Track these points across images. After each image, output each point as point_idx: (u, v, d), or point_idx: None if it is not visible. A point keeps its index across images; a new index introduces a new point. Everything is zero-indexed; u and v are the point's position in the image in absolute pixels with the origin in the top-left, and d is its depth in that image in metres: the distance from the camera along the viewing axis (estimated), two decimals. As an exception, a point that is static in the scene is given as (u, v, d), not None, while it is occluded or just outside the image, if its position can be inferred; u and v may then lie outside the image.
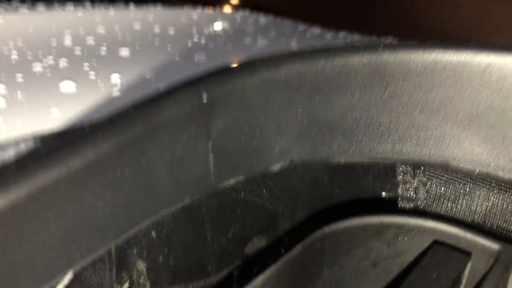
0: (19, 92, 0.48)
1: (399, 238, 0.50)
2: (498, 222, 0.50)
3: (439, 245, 0.47)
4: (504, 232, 0.49)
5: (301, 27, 1.05)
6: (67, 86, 0.51)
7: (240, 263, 0.61)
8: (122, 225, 0.36)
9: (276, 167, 0.46)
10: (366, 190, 0.69)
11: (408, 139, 0.49)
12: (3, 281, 0.31)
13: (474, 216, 0.50)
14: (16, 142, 0.35)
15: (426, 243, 0.49)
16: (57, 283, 0.35)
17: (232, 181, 0.44)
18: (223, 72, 0.42)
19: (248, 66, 0.43)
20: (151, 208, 0.38)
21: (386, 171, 0.68)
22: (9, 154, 0.33)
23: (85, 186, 0.34)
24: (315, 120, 0.47)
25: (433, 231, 0.49)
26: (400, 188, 0.56)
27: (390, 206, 0.67)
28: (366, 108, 0.48)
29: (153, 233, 0.47)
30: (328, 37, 0.98)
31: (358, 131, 0.48)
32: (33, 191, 0.31)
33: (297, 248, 0.46)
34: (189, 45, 0.72)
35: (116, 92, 0.52)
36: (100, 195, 0.35)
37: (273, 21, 1.07)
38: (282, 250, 0.62)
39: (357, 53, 0.45)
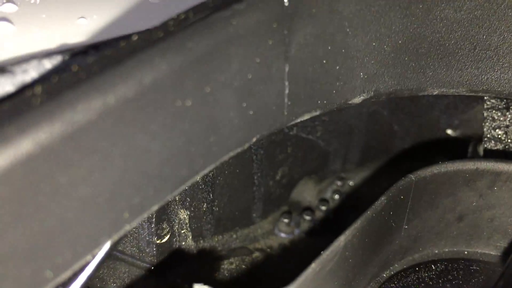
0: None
1: (495, 188, 0.41)
2: None
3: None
4: None
5: None
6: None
7: (287, 208, 0.53)
8: (181, 174, 0.27)
9: (358, 99, 0.36)
10: (431, 127, 0.60)
11: (521, 67, 0.39)
12: (33, 250, 0.22)
13: None
14: (39, 59, 0.25)
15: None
16: (99, 249, 0.26)
17: (306, 116, 0.34)
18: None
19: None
20: (215, 152, 0.28)
21: (455, 105, 0.59)
22: (32, 76, 0.23)
23: (137, 121, 0.24)
24: (411, 39, 0.37)
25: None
26: (486, 126, 0.47)
27: (459, 147, 0.58)
28: (475, 24, 0.37)
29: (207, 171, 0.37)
30: None
31: (460, 54, 0.38)
32: (69, 129, 0.21)
33: (381, 200, 0.37)
34: None
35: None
36: (156, 134, 0.25)
37: None
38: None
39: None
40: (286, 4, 0.30)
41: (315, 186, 0.55)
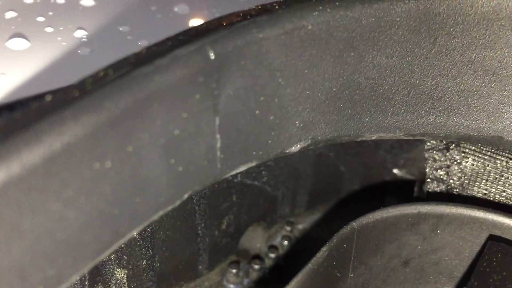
0: None
1: (438, 231, 0.41)
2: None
3: (495, 241, 0.38)
4: None
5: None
6: (17, 44, 0.39)
7: (235, 258, 0.51)
8: (104, 239, 0.25)
9: (295, 148, 0.36)
10: (377, 167, 0.60)
11: (456, 109, 0.39)
12: None
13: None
14: None
15: (471, 236, 0.40)
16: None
17: (242, 168, 0.33)
18: (234, 23, 0.30)
19: (266, 13, 0.32)
20: (142, 213, 0.27)
21: (400, 145, 0.59)
22: None
23: (48, 189, 0.23)
24: (345, 86, 0.36)
25: (480, 221, 0.40)
26: (427, 167, 0.47)
27: (406, 186, 0.58)
28: (407, 70, 0.37)
29: (135, 233, 0.36)
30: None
31: (395, 100, 0.38)
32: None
33: (322, 252, 0.36)
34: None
35: (82, 50, 0.40)
36: (71, 200, 0.24)
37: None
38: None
39: (401, -1, 0.35)
40: (212, 57, 0.29)
41: (264, 232, 0.54)
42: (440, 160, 0.46)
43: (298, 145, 0.35)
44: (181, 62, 0.28)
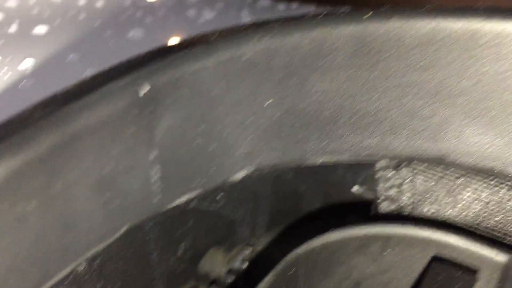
0: None
1: (387, 252, 0.41)
2: (501, 226, 0.42)
3: (438, 261, 0.39)
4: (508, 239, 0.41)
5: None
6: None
7: (194, 283, 0.51)
8: (31, 282, 0.25)
9: (239, 175, 0.36)
10: (337, 186, 0.60)
11: (399, 130, 0.40)
12: None
13: (474, 221, 0.42)
14: None
15: (419, 256, 0.40)
16: None
17: (184, 198, 0.33)
18: (169, 53, 0.30)
19: (202, 44, 0.32)
20: (73, 252, 0.27)
21: (360, 163, 0.59)
22: None
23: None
24: (288, 112, 0.37)
25: (427, 241, 0.40)
26: (379, 187, 0.47)
27: (366, 206, 0.59)
28: (349, 94, 0.38)
29: (82, 266, 0.35)
30: (281, 8, 0.88)
31: (339, 123, 0.39)
32: None
33: (269, 278, 0.36)
34: (122, 19, 0.60)
35: (25, 83, 0.40)
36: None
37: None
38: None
39: (340, 23, 0.35)
40: (146, 90, 0.29)
41: (224, 256, 0.54)
42: (392, 179, 0.46)
43: (242, 173, 0.35)
44: (113, 96, 0.28)
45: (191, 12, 0.68)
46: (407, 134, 0.39)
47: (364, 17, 0.37)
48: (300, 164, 0.38)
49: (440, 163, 0.41)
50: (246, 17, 0.70)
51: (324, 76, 0.37)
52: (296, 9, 0.91)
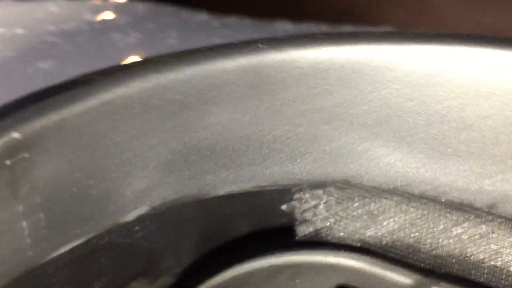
0: None
1: (297, 281, 0.40)
2: (412, 249, 0.42)
3: (343, 287, 0.38)
4: (418, 260, 0.41)
5: (184, 14, 0.93)
6: None
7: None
8: None
9: (131, 216, 0.35)
10: (264, 205, 0.59)
11: (301, 156, 0.39)
12: None
13: (387, 243, 0.42)
14: None
15: (325, 284, 0.40)
16: None
17: (67, 247, 0.32)
18: (43, 99, 0.29)
19: (82, 85, 0.31)
20: None
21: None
22: None
23: None
24: (187, 145, 0.36)
25: (335, 268, 0.40)
26: (295, 209, 0.47)
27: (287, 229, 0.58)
28: (249, 124, 0.37)
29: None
30: (216, 24, 0.87)
31: (243, 154, 0.38)
32: None
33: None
34: (37, 47, 0.58)
35: None
36: None
37: (153, 8, 0.94)
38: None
39: (234, 55, 0.35)
40: (18, 139, 0.28)
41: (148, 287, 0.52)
42: (307, 202, 0.46)
43: (134, 213, 0.34)
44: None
45: (116, 36, 0.67)
46: (310, 160, 0.39)
47: (260, 46, 0.36)
48: (199, 198, 0.37)
49: (348, 185, 0.40)
50: (173, 39, 0.69)
51: (220, 108, 0.36)
52: (232, 24, 0.90)
